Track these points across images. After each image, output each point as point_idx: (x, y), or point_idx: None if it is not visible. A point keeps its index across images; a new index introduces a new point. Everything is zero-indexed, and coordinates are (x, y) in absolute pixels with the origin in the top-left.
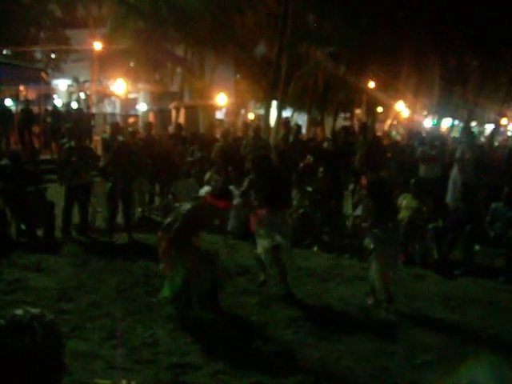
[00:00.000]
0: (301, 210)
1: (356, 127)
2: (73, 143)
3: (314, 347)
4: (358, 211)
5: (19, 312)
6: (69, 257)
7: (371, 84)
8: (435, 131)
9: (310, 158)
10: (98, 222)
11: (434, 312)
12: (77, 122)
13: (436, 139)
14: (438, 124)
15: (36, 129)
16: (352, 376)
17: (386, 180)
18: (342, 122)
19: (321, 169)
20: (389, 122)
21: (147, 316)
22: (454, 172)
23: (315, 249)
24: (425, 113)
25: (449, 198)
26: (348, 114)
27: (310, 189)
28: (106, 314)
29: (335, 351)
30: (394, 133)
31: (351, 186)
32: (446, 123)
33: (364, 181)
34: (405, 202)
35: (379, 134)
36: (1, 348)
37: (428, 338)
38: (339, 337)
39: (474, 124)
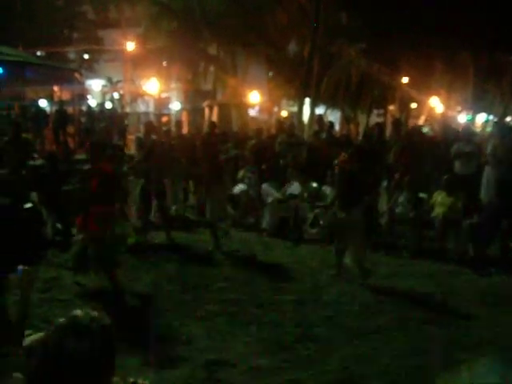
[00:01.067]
0: (335, 207)
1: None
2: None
3: (350, 345)
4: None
5: (79, 313)
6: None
7: (404, 80)
8: (470, 127)
9: (344, 155)
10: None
11: (470, 309)
12: (110, 122)
13: (471, 135)
14: (473, 119)
15: (70, 129)
16: (388, 374)
17: (354, 167)
18: (375, 118)
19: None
20: (423, 118)
21: (182, 313)
22: (488, 167)
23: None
24: (459, 108)
25: (483, 194)
26: (381, 111)
27: None
28: (141, 312)
29: (371, 349)
30: (426, 129)
31: (385, 183)
32: (481, 118)
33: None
34: (439, 198)
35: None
36: (60, 348)
37: (464, 336)
38: (375, 335)
39: (509, 119)
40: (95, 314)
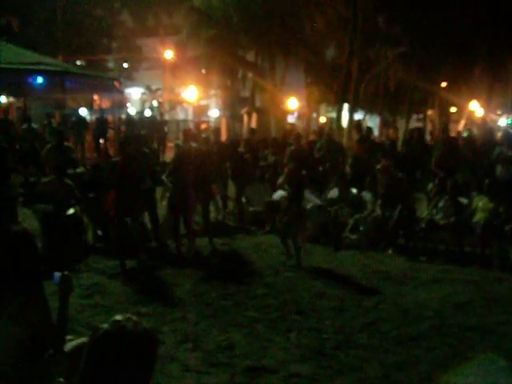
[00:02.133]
0: (375, 213)
1: (428, 128)
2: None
3: (390, 352)
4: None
5: (121, 318)
6: (144, 261)
7: (443, 84)
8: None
9: (385, 162)
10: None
11: None
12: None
13: None
14: None
15: (110, 137)
16: (429, 382)
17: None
18: (414, 123)
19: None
20: (462, 122)
21: (222, 319)
22: None
23: (390, 252)
24: (499, 112)
25: None
26: (421, 116)
27: (381, 191)
28: (182, 318)
29: (412, 356)
30: (467, 133)
31: (430, 186)
32: None
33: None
34: (481, 203)
35: (453, 134)
36: (104, 353)
37: (508, 344)
38: (416, 342)
39: None
40: (136, 319)
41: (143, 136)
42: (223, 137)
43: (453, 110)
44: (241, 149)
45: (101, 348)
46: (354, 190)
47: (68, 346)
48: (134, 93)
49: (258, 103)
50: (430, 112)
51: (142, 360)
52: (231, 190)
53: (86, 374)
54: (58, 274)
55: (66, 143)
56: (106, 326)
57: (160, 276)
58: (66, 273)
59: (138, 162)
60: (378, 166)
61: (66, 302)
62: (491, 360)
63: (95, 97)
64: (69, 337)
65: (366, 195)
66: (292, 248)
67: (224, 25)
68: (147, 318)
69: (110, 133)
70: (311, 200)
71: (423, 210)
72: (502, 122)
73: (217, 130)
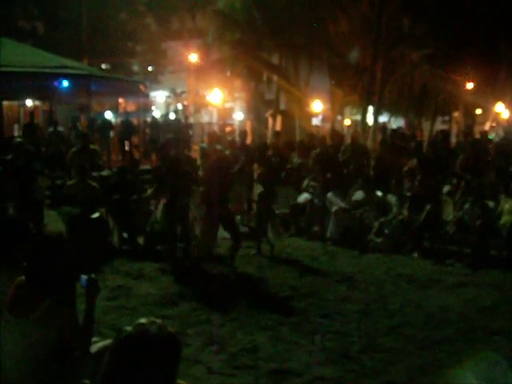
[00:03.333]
0: (400, 216)
1: (454, 131)
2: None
3: (415, 356)
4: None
5: (145, 321)
6: (169, 264)
7: (469, 86)
8: None
9: (413, 162)
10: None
11: None
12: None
13: None
14: None
15: (135, 140)
16: None
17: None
18: (440, 125)
19: (420, 174)
20: (488, 124)
21: (247, 322)
22: None
23: (415, 255)
24: None
25: None
26: (446, 118)
27: (408, 194)
28: (207, 320)
29: (436, 360)
30: (493, 135)
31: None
32: None
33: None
34: (507, 206)
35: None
36: (129, 356)
37: None
38: (440, 345)
39: None
40: (160, 322)
41: (174, 140)
42: (248, 140)
43: (478, 111)
44: (269, 152)
45: (124, 351)
46: (379, 193)
47: (94, 348)
48: (159, 96)
49: (282, 106)
50: (455, 114)
51: (164, 363)
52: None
53: (107, 376)
54: (84, 277)
55: (91, 146)
56: (129, 328)
57: (185, 278)
58: (92, 275)
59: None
60: (405, 168)
61: (93, 304)
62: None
63: (120, 100)
64: (94, 339)
65: (391, 198)
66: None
67: (248, 28)
68: (172, 320)
69: (135, 136)
70: (336, 203)
71: (449, 213)
72: None
73: (243, 133)
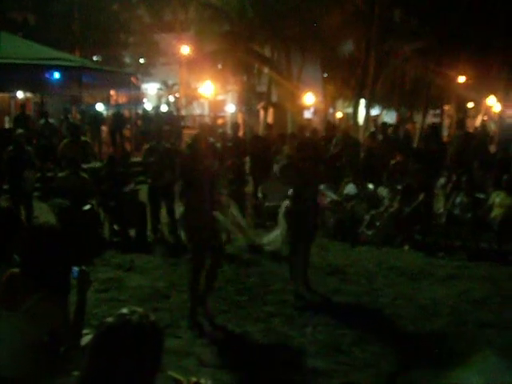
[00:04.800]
0: (391, 209)
1: (446, 124)
2: (153, 144)
3: (406, 348)
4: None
5: (126, 311)
6: (161, 256)
7: (461, 79)
8: None
9: (400, 157)
10: None
11: None
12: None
13: None
14: None
15: (127, 132)
16: (445, 378)
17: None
18: (431, 118)
19: (412, 166)
20: (479, 117)
21: (238, 314)
22: None
23: (406, 247)
24: None
25: None
26: (438, 111)
27: (399, 187)
28: (198, 313)
29: (428, 352)
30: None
31: (442, 181)
32: None
33: None
34: (498, 199)
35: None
36: (109, 345)
37: None
38: (432, 338)
39: None
40: (142, 311)
41: (165, 132)
42: (240, 132)
43: (470, 105)
44: (260, 144)
45: (105, 341)
46: (371, 186)
47: (84, 341)
48: (151, 88)
49: (274, 98)
50: (447, 107)
51: (147, 353)
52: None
53: (90, 367)
54: (76, 269)
55: (83, 138)
56: (111, 319)
57: (176, 271)
58: (83, 268)
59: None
60: (393, 161)
61: (84, 296)
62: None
63: (112, 92)
64: (85, 331)
65: (383, 191)
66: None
67: (239, 20)
68: (163, 312)
69: (127, 128)
70: (328, 195)
71: (439, 206)
72: None
73: (235, 126)
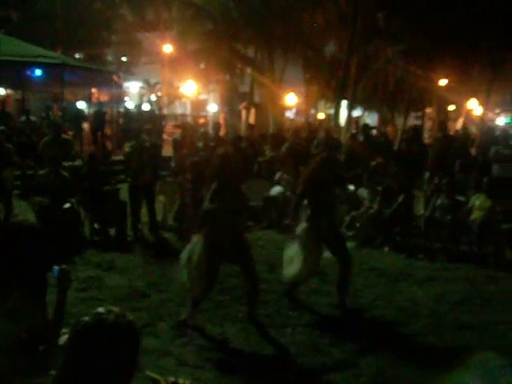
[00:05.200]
0: (371, 210)
1: (428, 126)
2: (133, 143)
3: (385, 349)
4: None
5: (102, 310)
6: (141, 255)
7: (442, 82)
8: (509, 130)
9: (380, 158)
10: (170, 220)
11: (507, 315)
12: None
13: (510, 138)
14: None
15: (108, 130)
16: (424, 378)
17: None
18: (412, 121)
19: (392, 168)
20: (460, 120)
21: (217, 314)
22: None
23: (386, 249)
24: (497, 111)
25: None
26: (419, 113)
27: (379, 188)
28: (177, 312)
29: (407, 353)
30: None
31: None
32: None
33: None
34: (478, 202)
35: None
36: (85, 344)
37: (503, 341)
38: (411, 338)
39: None
40: (118, 310)
41: (145, 130)
42: (222, 132)
43: (451, 108)
44: (243, 144)
45: (81, 340)
46: (351, 187)
47: (62, 340)
48: (133, 87)
49: (256, 99)
50: (429, 110)
51: (123, 352)
52: None
53: (65, 366)
54: (56, 268)
55: (64, 136)
56: (86, 318)
57: (156, 270)
58: (63, 266)
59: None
60: (373, 163)
61: (64, 295)
62: (489, 359)
63: (94, 90)
64: (64, 330)
65: (363, 192)
66: None
67: (223, 19)
68: (142, 312)
69: (108, 126)
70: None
71: (419, 208)
72: (501, 120)
73: (217, 125)
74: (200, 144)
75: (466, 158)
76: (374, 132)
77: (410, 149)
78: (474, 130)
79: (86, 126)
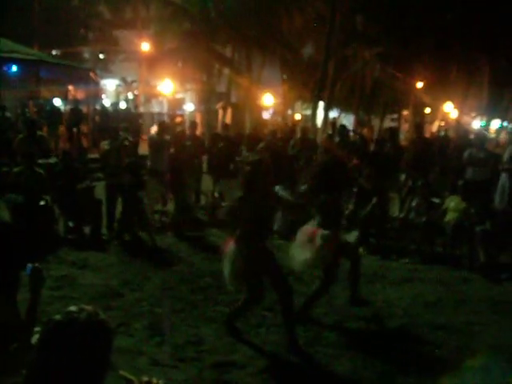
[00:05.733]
0: (346, 211)
1: (404, 129)
2: (110, 142)
3: (360, 350)
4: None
5: (74, 309)
6: (115, 254)
7: (419, 85)
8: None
9: (356, 160)
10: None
11: (481, 316)
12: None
13: (484, 141)
14: (487, 125)
15: (84, 128)
16: (397, 378)
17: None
18: (389, 123)
19: (366, 170)
20: (436, 123)
21: (192, 314)
22: (503, 175)
23: (361, 250)
24: (473, 114)
25: (497, 201)
26: (395, 115)
27: (354, 189)
28: (151, 312)
29: (381, 354)
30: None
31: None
32: (495, 125)
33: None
34: (452, 204)
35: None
36: (56, 343)
37: (475, 343)
38: (386, 340)
39: None
40: (91, 309)
41: (121, 128)
42: (198, 131)
43: (427, 110)
44: (220, 143)
45: (52, 339)
46: None
47: (35, 339)
48: (110, 84)
49: (233, 99)
50: (405, 112)
51: (94, 351)
52: (204, 184)
53: (36, 364)
54: (29, 266)
55: (39, 133)
56: (58, 316)
57: (130, 269)
58: (36, 265)
59: None
60: (349, 164)
61: (37, 294)
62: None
63: (70, 87)
64: (37, 328)
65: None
66: None
67: (200, 19)
68: (116, 311)
69: (84, 124)
70: (284, 196)
71: (394, 210)
72: (476, 124)
73: (193, 124)
74: (188, 143)
75: (444, 161)
76: (351, 134)
77: (383, 150)
78: (450, 132)
79: (61, 123)
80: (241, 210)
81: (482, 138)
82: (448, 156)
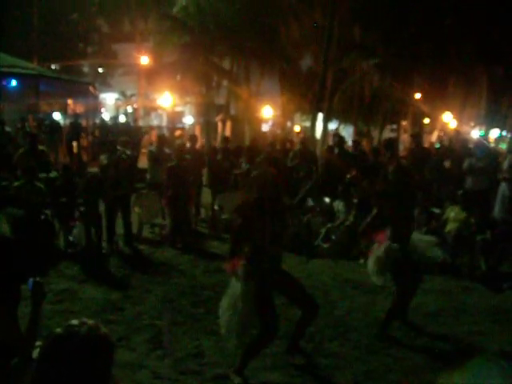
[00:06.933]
0: (347, 222)
1: (403, 139)
2: (109, 156)
3: (362, 361)
4: None
5: (75, 322)
6: (115, 268)
7: (417, 95)
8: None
9: (354, 172)
10: (145, 233)
11: (482, 326)
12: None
13: (483, 150)
14: (486, 135)
15: (84, 142)
16: None
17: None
18: (388, 133)
19: (365, 181)
20: (435, 133)
21: (193, 327)
22: (503, 184)
23: (362, 261)
24: (472, 124)
25: (496, 211)
26: (395, 126)
27: (355, 201)
28: (152, 325)
29: (382, 365)
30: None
31: None
32: (494, 134)
33: None
34: (453, 213)
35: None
36: (57, 356)
37: (476, 352)
38: (387, 350)
39: None
40: (92, 323)
41: (119, 142)
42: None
43: (426, 121)
44: (219, 156)
45: (53, 352)
46: (327, 199)
47: (36, 352)
48: (109, 98)
49: (232, 111)
50: (404, 123)
51: (95, 365)
52: (204, 197)
53: (37, 378)
54: (30, 280)
55: (39, 147)
56: (59, 330)
57: (131, 282)
58: (38, 279)
59: None
60: (349, 176)
61: (38, 308)
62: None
63: (69, 101)
64: (38, 343)
65: (339, 204)
66: None
67: (199, 32)
68: (117, 324)
69: (84, 138)
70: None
71: None
72: (475, 133)
73: (193, 137)
74: (188, 156)
75: (444, 171)
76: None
77: (379, 161)
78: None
79: (61, 137)
80: (251, 227)
81: (481, 147)
82: (445, 170)
